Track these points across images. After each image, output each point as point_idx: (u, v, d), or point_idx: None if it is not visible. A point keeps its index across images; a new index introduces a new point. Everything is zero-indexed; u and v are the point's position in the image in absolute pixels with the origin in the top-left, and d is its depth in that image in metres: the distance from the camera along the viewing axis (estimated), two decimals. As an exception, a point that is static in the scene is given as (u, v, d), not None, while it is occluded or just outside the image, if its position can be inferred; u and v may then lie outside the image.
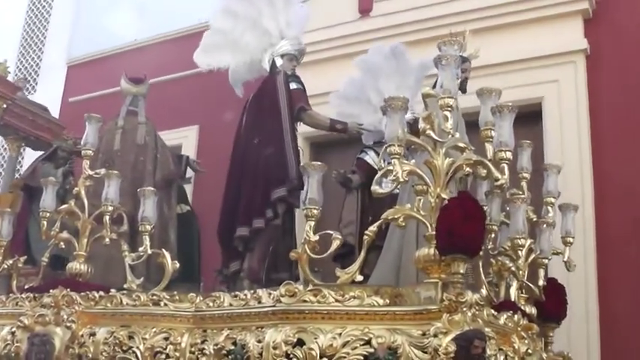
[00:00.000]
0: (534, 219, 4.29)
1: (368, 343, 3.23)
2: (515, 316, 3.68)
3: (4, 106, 6.03)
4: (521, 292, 4.16)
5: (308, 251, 3.56)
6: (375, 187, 3.56)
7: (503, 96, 3.87)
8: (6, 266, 4.70)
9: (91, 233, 4.43)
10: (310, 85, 5.38)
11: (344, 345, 3.26)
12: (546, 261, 4.20)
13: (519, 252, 3.92)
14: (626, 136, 5.95)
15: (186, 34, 8.32)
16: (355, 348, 3.24)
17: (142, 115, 5.44)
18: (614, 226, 5.54)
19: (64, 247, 4.59)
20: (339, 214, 5.25)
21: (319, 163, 3.73)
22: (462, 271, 3.26)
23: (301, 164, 3.78)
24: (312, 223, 3.60)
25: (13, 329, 4.31)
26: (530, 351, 3.68)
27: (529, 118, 5.46)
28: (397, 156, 3.46)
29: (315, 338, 3.31)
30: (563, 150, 5.83)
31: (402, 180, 3.44)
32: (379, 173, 3.53)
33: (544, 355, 4.01)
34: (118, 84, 8.01)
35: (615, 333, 5.34)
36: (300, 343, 3.36)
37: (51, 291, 4.22)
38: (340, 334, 3.29)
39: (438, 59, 3.55)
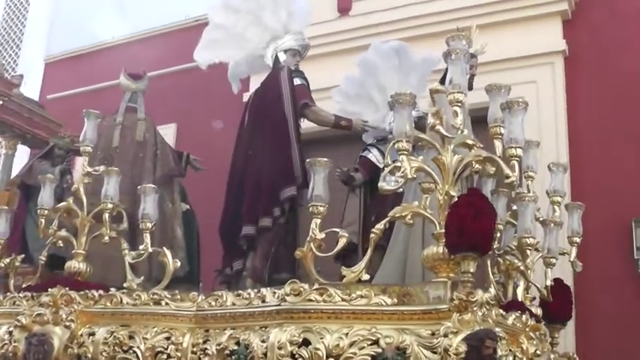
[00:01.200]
0: (541, 218, 4.23)
1: (376, 343, 3.16)
2: (524, 316, 3.64)
3: (0, 102, 5.93)
4: (526, 293, 4.12)
5: (314, 249, 3.48)
6: (382, 184, 3.48)
7: (481, 96, 3.85)
8: (3, 265, 4.62)
9: (89, 231, 4.34)
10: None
11: (351, 345, 3.19)
12: (554, 260, 4.12)
13: (527, 251, 3.84)
14: (603, 136, 6.01)
15: (165, 32, 8.43)
16: (362, 348, 3.17)
17: (142, 112, 5.35)
18: (592, 225, 5.52)
19: (62, 245, 4.49)
20: (341, 213, 5.18)
21: (325, 159, 3.66)
22: (472, 270, 3.18)
23: (307, 161, 3.68)
24: (318, 221, 3.53)
25: (11, 329, 4.22)
26: (538, 352, 3.63)
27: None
28: (405, 152, 3.39)
29: (322, 338, 3.24)
30: (541, 149, 5.79)
31: (410, 177, 3.37)
32: (386, 170, 3.45)
33: (552, 357, 3.95)
34: (96, 81, 8.11)
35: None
36: (306, 343, 3.29)
37: (49, 290, 4.14)
38: (347, 333, 3.22)
39: (447, 54, 3.49)
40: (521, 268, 3.78)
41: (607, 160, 5.84)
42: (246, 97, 7.24)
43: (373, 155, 5.24)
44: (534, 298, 4.23)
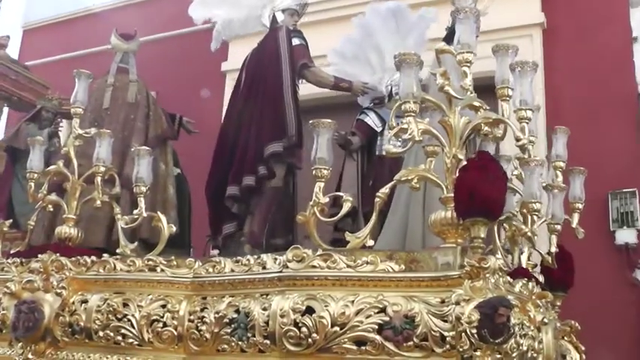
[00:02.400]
0: (544, 184, 4.13)
1: (383, 311, 3.07)
2: (530, 283, 3.55)
3: (-14, 64, 5.76)
4: (528, 260, 4.03)
5: (317, 213, 3.36)
6: (387, 147, 3.37)
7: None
8: (-9, 230, 4.47)
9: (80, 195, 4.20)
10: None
11: (357, 313, 3.10)
12: (559, 227, 4.04)
13: (535, 217, 3.74)
14: (580, 108, 5.99)
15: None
16: (369, 316, 3.08)
17: (134, 73, 5.17)
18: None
19: (52, 210, 4.35)
20: (337, 178, 5.06)
21: (329, 120, 3.53)
22: (482, 236, 3.08)
23: (310, 122, 3.54)
24: (322, 185, 3.41)
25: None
26: (545, 320, 3.55)
27: (485, 92, 5.37)
28: (412, 113, 3.26)
29: (326, 306, 3.14)
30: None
31: (417, 139, 3.25)
32: (392, 132, 3.32)
33: (558, 324, 3.88)
34: (75, 49, 7.94)
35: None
36: (309, 311, 3.19)
37: (39, 256, 4.01)
38: (353, 301, 3.12)
39: (455, 12, 3.36)
40: (529, 234, 3.67)
41: (583, 133, 5.78)
42: (224, 65, 7.21)
43: (370, 119, 5.11)
44: (536, 265, 4.15)
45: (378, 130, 5.06)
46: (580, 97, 5.99)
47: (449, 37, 4.11)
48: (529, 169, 3.77)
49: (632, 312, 5.58)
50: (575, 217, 4.25)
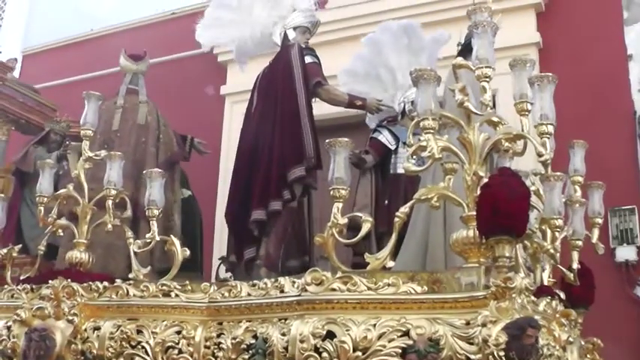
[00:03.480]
0: (563, 199, 4.05)
1: (406, 334, 2.98)
2: (553, 301, 3.47)
3: (-5, 86, 5.70)
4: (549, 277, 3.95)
5: (336, 235, 3.28)
6: (407, 165, 3.28)
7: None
8: (0, 255, 4.38)
9: (91, 219, 4.11)
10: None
11: (380, 337, 3.00)
12: (580, 243, 3.95)
13: (556, 233, 3.66)
14: (577, 126, 5.73)
15: (146, 24, 8.34)
16: (392, 340, 2.99)
17: (143, 94, 5.12)
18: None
19: (62, 234, 4.27)
20: (352, 197, 4.97)
21: (346, 139, 3.45)
22: (507, 254, 2.99)
23: (327, 141, 3.47)
24: (340, 205, 3.33)
25: (9, 323, 4.00)
26: (571, 339, 3.48)
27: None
28: (431, 130, 3.19)
29: (347, 330, 3.05)
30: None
31: (437, 156, 3.17)
32: (411, 149, 3.24)
33: (582, 342, 3.79)
34: (74, 74, 7.93)
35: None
36: (330, 335, 3.10)
37: (50, 282, 3.92)
38: (375, 325, 3.03)
39: (473, 26, 3.30)
40: (551, 250, 3.58)
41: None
42: (223, 89, 7.19)
43: (384, 137, 5.03)
44: (556, 282, 4.07)
45: (392, 148, 4.98)
46: (577, 114, 5.87)
47: (463, 53, 4.05)
48: (550, 184, 3.70)
49: (633, 328, 5.52)
50: (595, 233, 4.17)
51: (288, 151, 4.44)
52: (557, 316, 3.47)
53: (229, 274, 4.74)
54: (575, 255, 3.94)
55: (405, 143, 4.97)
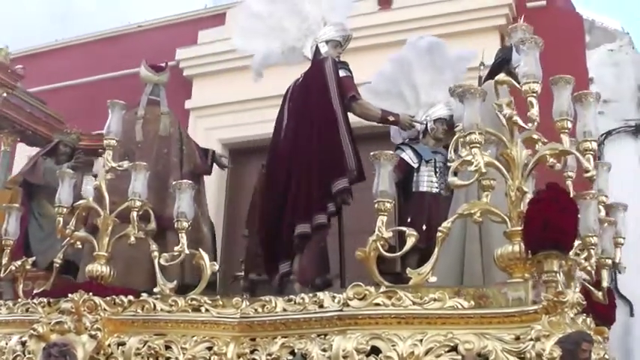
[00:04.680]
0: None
1: (454, 349, 2.96)
2: (588, 319, 3.45)
3: (4, 94, 5.53)
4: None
5: (380, 249, 3.23)
6: (452, 179, 3.25)
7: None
8: (14, 268, 4.26)
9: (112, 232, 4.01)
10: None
11: (427, 352, 2.98)
12: (609, 261, 3.94)
13: (591, 251, 3.63)
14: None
15: (113, 35, 8.27)
16: (440, 355, 2.97)
17: (164, 105, 5.03)
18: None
19: (80, 247, 4.16)
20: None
21: (391, 152, 3.42)
22: (555, 269, 2.97)
23: (371, 154, 3.43)
24: (385, 218, 3.29)
25: (24, 338, 3.90)
26: (607, 356, 3.45)
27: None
28: (478, 145, 3.17)
29: (393, 345, 3.02)
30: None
31: (484, 171, 3.15)
32: (455, 163, 3.22)
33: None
34: (38, 85, 7.84)
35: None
36: (375, 351, 3.06)
37: (70, 295, 3.80)
38: (422, 340, 3.00)
39: (520, 42, 3.29)
40: (588, 268, 3.57)
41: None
42: (188, 104, 7.17)
43: (407, 155, 4.98)
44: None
45: (415, 166, 4.95)
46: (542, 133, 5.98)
47: (497, 70, 4.06)
48: (585, 202, 3.67)
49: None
50: (618, 253, 4.17)
51: (330, 164, 4.37)
52: (592, 333, 3.44)
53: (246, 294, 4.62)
54: (605, 274, 3.93)
55: (427, 161, 4.94)
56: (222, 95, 7.07)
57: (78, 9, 8.39)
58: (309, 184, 4.34)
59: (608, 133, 5.88)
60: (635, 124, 5.94)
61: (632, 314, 5.32)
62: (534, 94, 3.22)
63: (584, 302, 3.06)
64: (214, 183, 6.37)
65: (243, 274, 4.90)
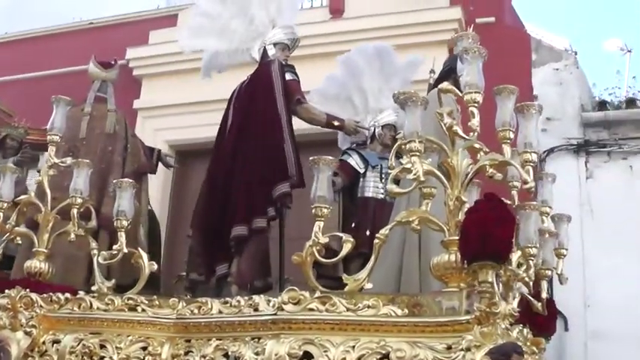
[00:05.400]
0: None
1: (386, 357, 2.95)
2: (524, 329, 3.46)
3: (-52, 89, 5.46)
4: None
5: (316, 254, 3.22)
6: (391, 187, 3.25)
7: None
8: (-48, 264, 4.19)
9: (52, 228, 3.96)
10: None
11: (359, 359, 2.95)
12: (549, 272, 3.96)
13: (530, 262, 3.65)
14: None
15: (63, 32, 8.19)
16: (371, 362, 2.94)
17: (112, 103, 4.98)
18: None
19: (20, 242, 4.10)
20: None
21: (330, 157, 3.41)
22: (490, 280, 2.96)
23: (310, 159, 3.41)
24: (322, 224, 3.27)
25: (-43, 334, 3.83)
26: (542, 368, 3.46)
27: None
28: (417, 153, 3.16)
29: (325, 351, 3.02)
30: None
31: (422, 179, 3.14)
32: (395, 170, 3.21)
33: (542, 371, 3.80)
34: None
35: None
36: (307, 356, 3.05)
37: (6, 291, 3.76)
38: (354, 346, 3.00)
39: (463, 51, 3.29)
40: (526, 279, 3.58)
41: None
42: (136, 103, 7.15)
43: (353, 160, 5.00)
44: (520, 311, 4.07)
45: (361, 171, 4.96)
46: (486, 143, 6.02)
47: (444, 78, 4.08)
48: (525, 213, 3.70)
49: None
50: (560, 264, 4.19)
51: (271, 168, 4.35)
52: (528, 344, 3.46)
53: (189, 292, 4.60)
54: (544, 285, 3.95)
55: (374, 167, 4.95)
56: (171, 96, 7.03)
57: (29, 2, 8.20)
58: (250, 187, 4.32)
59: (550, 151, 5.93)
60: (577, 142, 5.97)
61: (566, 329, 5.37)
62: (475, 105, 3.22)
63: (518, 313, 3.05)
64: (160, 182, 6.35)
65: (185, 274, 4.85)
